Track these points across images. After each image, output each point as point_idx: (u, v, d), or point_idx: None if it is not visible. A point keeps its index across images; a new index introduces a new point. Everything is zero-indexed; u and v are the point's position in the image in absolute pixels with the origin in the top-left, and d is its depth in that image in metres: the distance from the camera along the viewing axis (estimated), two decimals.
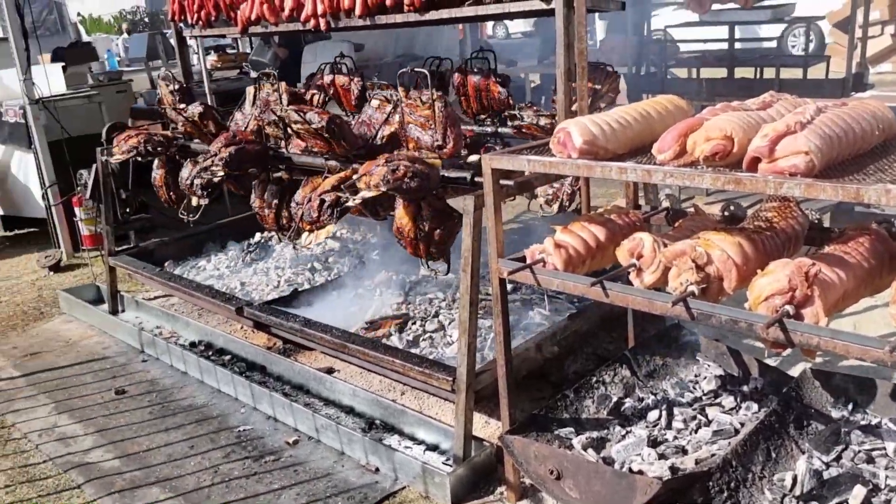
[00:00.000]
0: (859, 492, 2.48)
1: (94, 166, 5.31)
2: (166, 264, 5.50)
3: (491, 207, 2.65)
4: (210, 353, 4.55)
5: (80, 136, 6.49)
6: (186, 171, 4.37)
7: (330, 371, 4.14)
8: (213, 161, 3.77)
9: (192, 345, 4.69)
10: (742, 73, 6.79)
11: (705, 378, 3.33)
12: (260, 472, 3.33)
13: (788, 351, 3.78)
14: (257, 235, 5.91)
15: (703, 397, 3.21)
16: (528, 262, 2.64)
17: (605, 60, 7.28)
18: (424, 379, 3.27)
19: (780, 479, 2.62)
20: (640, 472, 2.69)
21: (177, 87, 4.81)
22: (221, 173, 3.75)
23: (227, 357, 4.47)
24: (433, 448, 3.37)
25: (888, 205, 1.78)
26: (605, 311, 3.82)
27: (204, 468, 3.40)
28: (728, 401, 3.15)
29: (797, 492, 2.56)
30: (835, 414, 2.98)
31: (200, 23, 5.18)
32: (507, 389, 2.88)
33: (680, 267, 2.26)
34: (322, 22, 4.27)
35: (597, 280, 2.37)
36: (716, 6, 6.07)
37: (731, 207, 2.93)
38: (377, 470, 3.26)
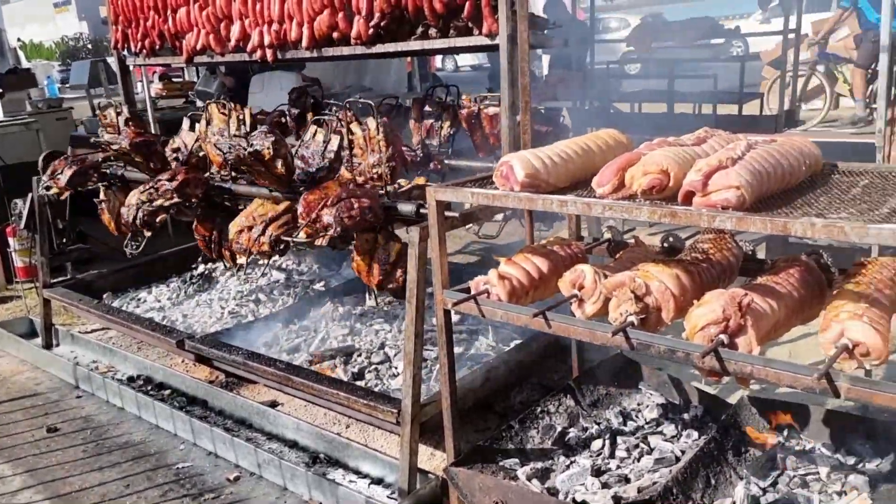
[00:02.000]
0: None
1: (30, 195, 5.16)
2: (105, 296, 5.35)
3: (436, 238, 2.66)
4: (149, 387, 4.42)
5: (17, 164, 6.32)
6: (132, 201, 4.24)
7: (274, 405, 4.06)
8: (158, 193, 3.70)
9: (131, 379, 4.55)
10: (681, 108, 7.03)
11: (647, 407, 3.38)
12: None
13: (727, 379, 3.88)
14: (201, 267, 5.80)
15: (646, 426, 3.25)
16: (473, 292, 2.65)
17: (551, 95, 7.45)
18: (369, 411, 3.24)
19: None
20: (584, 502, 2.70)
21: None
22: (170, 203, 3.67)
23: (167, 392, 4.35)
24: (378, 482, 3.32)
25: (814, 237, 1.85)
26: (550, 342, 3.86)
27: None
28: (669, 429, 3.19)
29: None
30: (771, 440, 3.05)
31: (144, 51, 5.13)
32: (451, 421, 2.87)
33: (620, 297, 2.30)
34: (269, 53, 4.28)
35: (539, 311, 2.39)
36: (656, 44, 6.29)
37: (671, 239, 3.00)
38: None
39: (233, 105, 3.71)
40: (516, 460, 2.98)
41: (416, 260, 2.92)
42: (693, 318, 2.17)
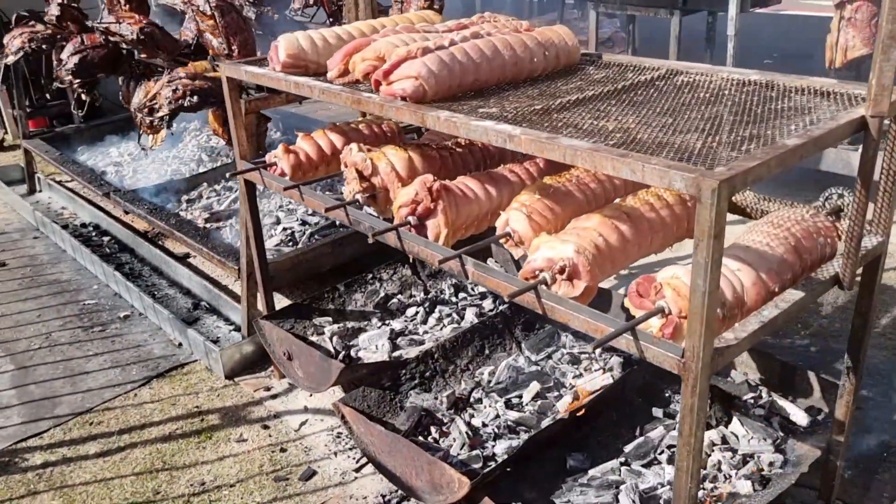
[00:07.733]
0: (534, 387, 2.76)
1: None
2: (79, 149, 5.83)
3: (230, 111, 2.87)
4: (94, 233, 4.93)
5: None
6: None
7: (187, 256, 4.49)
8: (61, 68, 4.03)
9: (84, 226, 5.07)
10: None
11: None
12: (83, 340, 3.75)
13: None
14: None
15: (470, 298, 3.48)
16: (267, 164, 2.86)
17: None
18: (221, 266, 3.59)
19: (481, 373, 2.91)
20: (357, 358, 3.01)
21: None
22: (70, 78, 4.01)
23: (108, 238, 4.84)
24: (239, 328, 3.72)
25: (439, 129, 1.97)
26: None
27: (39, 334, 3.83)
28: (487, 303, 3.41)
29: (491, 384, 2.85)
30: None
31: None
32: (262, 282, 3.19)
33: (348, 176, 2.47)
34: None
35: (293, 185, 2.60)
36: None
37: None
38: (180, 345, 3.64)
39: None
40: (330, 319, 3.29)
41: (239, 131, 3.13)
42: (398, 197, 2.32)
